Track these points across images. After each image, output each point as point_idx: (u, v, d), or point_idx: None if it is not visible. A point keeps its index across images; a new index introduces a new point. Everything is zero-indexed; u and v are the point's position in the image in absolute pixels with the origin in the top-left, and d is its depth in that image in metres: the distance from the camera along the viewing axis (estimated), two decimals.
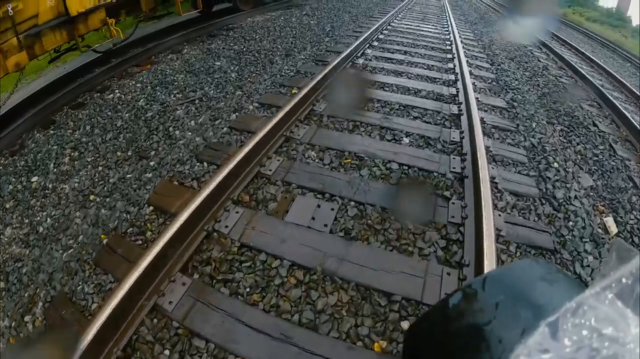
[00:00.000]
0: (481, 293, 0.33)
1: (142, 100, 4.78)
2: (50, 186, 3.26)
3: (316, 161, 2.69)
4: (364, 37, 5.76)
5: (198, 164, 2.83)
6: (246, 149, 2.53)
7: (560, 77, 5.78)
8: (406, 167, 2.58)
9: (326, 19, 8.34)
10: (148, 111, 4.45)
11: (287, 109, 3.08)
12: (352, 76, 4.22)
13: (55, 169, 3.50)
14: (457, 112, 3.45)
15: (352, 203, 2.27)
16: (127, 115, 4.44)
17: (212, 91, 4.77)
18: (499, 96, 4.21)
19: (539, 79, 5.40)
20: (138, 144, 3.54)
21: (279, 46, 6.24)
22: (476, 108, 3.32)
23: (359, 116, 3.25)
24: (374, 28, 6.61)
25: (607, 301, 0.26)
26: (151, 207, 2.40)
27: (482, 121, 3.30)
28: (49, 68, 6.67)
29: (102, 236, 2.31)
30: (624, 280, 0.26)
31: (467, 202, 2.26)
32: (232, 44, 6.35)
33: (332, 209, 2.21)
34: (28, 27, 4.40)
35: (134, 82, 5.48)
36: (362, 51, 5.34)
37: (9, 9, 4.04)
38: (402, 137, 2.95)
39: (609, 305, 0.25)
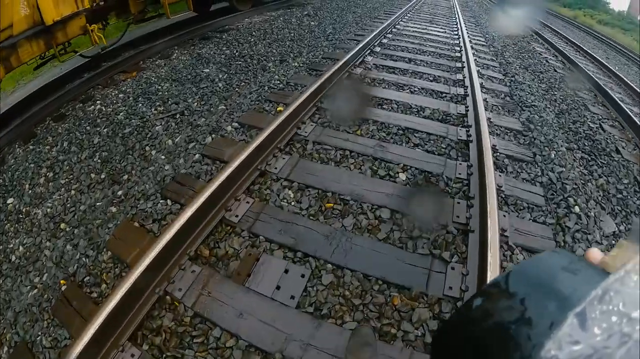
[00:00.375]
0: (505, 290, 0.32)
1: (122, 113, 4.47)
2: (24, 209, 3.09)
3: (292, 203, 2.27)
4: (366, 41, 5.31)
5: (162, 201, 2.48)
6: (213, 187, 2.14)
7: (578, 90, 5.26)
8: (400, 216, 2.14)
9: (328, 20, 7.89)
10: (126, 126, 4.13)
11: (267, 132, 2.67)
12: (346, 90, 3.78)
13: (30, 191, 3.33)
14: (465, 138, 2.99)
15: (329, 266, 1.85)
16: (105, 130, 4.12)
17: (195, 103, 4.38)
18: (514, 114, 3.73)
19: (555, 92, 4.90)
20: (113, 165, 3.28)
21: (274, 50, 5.81)
22: (487, 132, 2.85)
23: (349, 142, 2.81)
24: (378, 31, 6.15)
25: (633, 283, 0.26)
26: (109, 253, 2.16)
27: (494, 149, 2.85)
28: (41, 71, 6.30)
29: (62, 281, 2.15)
30: None
31: (470, 268, 1.83)
32: (224, 48, 5.95)
33: (303, 276, 1.79)
34: (3, 39, 4.20)
35: (116, 92, 5.14)
36: (361, 58, 4.88)
37: None
38: (397, 173, 2.51)
39: (635, 287, 0.25)
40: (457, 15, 9.71)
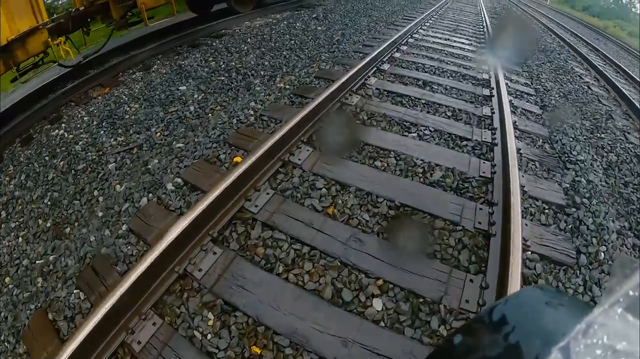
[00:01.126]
0: (488, 326, 0.32)
1: (81, 142, 4.01)
2: None
3: (208, 337, 1.50)
4: (373, 54, 4.40)
5: (75, 292, 1.95)
6: (115, 296, 1.43)
7: (627, 131, 4.22)
8: None
9: (338, 25, 7.02)
10: (82, 160, 3.60)
11: (207, 202, 1.90)
12: (331, 133, 2.91)
13: None
14: (485, 229, 2.08)
15: None
16: (61, 164, 3.67)
17: (158, 134, 3.69)
18: (554, 176, 2.78)
19: (603, 135, 3.90)
20: (60, 211, 2.96)
21: (266, 63, 5.02)
22: (519, 218, 1.95)
23: (312, 230, 1.97)
24: (391, 41, 5.24)
25: (617, 316, 0.26)
26: (24, 347, 1.86)
27: (526, 247, 1.96)
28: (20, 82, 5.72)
29: None
30: (631, 293, 0.26)
31: None
32: (210, 59, 5.19)
33: None
34: None
35: (83, 113, 4.53)
36: (363, 80, 4.00)
37: None
38: (371, 297, 1.67)
39: (620, 320, 0.26)
40: (484, 22, 8.65)
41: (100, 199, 2.92)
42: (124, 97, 4.57)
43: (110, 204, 2.71)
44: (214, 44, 5.72)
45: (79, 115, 4.50)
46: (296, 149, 2.64)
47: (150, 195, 2.48)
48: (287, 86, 4.06)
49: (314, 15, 7.58)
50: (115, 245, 2.12)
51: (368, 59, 4.26)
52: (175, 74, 4.83)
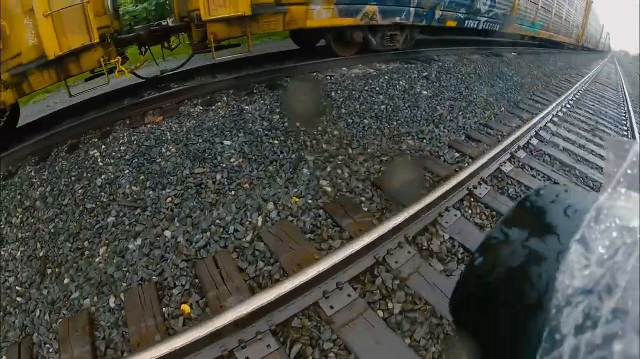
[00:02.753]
0: (503, 240, 0.33)
1: (103, 176, 3.62)
2: None
3: None
4: (470, 169, 3.22)
5: None
6: None
7: None
8: None
9: (450, 92, 5.84)
10: (93, 198, 3.33)
11: None
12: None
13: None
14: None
15: None
16: (79, 192, 3.47)
17: (169, 199, 3.14)
18: None
19: None
20: (53, 246, 2.89)
21: (335, 132, 4.13)
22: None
23: None
24: (508, 142, 3.94)
25: (622, 196, 0.28)
26: None
27: None
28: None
29: None
30: (629, 171, 0.28)
31: None
32: (276, 110, 4.48)
33: None
34: (12, 66, 4.13)
35: (125, 140, 4.18)
36: (431, 220, 2.79)
37: None
38: None
39: (626, 199, 0.27)
40: (630, 123, 6.59)
41: (85, 253, 2.75)
42: (168, 134, 4.09)
43: (84, 269, 2.44)
44: (292, 89, 5.03)
45: (121, 140, 4.17)
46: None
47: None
48: (329, 186, 3.10)
49: (424, 74, 6.46)
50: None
51: (460, 177, 3.04)
52: (230, 120, 4.22)
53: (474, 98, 5.94)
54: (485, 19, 8.96)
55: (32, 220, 3.30)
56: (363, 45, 6.12)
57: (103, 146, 4.13)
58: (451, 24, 7.84)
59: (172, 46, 5.37)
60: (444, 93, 5.85)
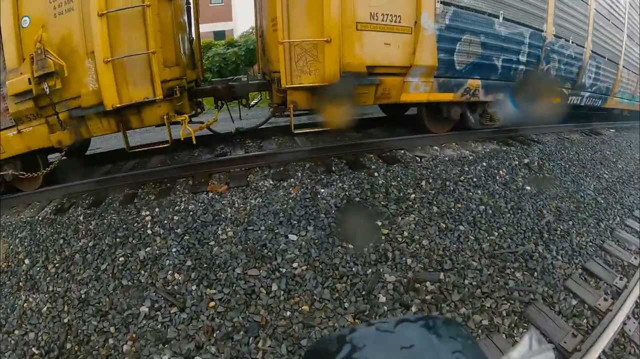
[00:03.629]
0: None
1: (147, 249, 3.29)
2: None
3: None
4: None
5: None
6: None
7: None
8: None
9: (555, 187, 4.86)
10: (132, 273, 3.04)
11: None
12: None
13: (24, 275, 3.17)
14: None
15: None
16: (120, 259, 3.18)
17: (211, 304, 2.60)
18: None
19: None
20: (80, 317, 2.74)
21: (425, 242, 3.35)
22: None
23: None
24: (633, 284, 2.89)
25: None
26: None
27: None
28: None
29: None
30: None
31: None
32: (356, 198, 3.84)
33: None
34: (71, 107, 4.01)
35: (182, 206, 3.77)
36: None
37: (45, 87, 3.66)
38: None
39: None
40: None
41: (109, 341, 2.52)
42: (229, 211, 3.61)
43: None
44: (375, 172, 4.36)
45: (177, 207, 3.77)
46: None
47: None
48: None
49: (525, 161, 5.48)
50: None
51: None
52: (301, 205, 3.65)
53: (582, 197, 4.84)
54: (589, 94, 7.80)
55: (67, 275, 3.10)
56: (459, 122, 5.36)
57: (157, 209, 3.76)
58: (555, 100, 6.82)
59: (250, 103, 5.09)
60: (549, 188, 4.84)
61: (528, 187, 4.75)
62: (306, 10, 3.92)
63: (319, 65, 3.95)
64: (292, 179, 4.17)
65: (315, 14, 3.89)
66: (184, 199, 3.94)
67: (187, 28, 5.31)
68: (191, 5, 5.41)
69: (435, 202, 3.98)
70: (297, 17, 3.93)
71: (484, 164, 5.03)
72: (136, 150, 4.61)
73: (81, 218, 3.72)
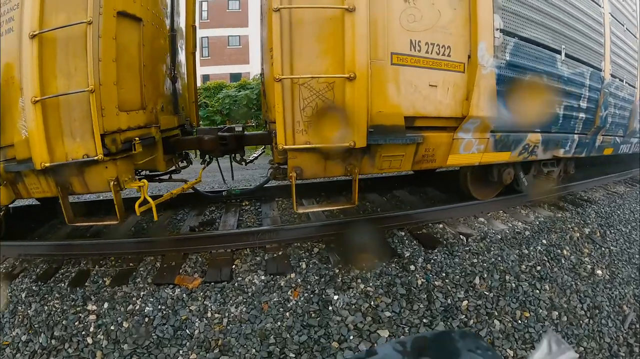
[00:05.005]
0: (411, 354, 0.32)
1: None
2: None
3: None
4: None
5: None
6: None
7: None
8: None
9: (625, 264, 3.90)
10: None
11: None
12: None
13: None
14: None
15: None
16: None
17: None
18: None
19: None
20: None
21: None
22: None
23: None
24: None
25: None
26: None
27: None
28: None
29: None
30: None
31: None
32: (385, 307, 2.56)
33: None
34: (7, 158, 2.97)
35: (130, 308, 2.56)
36: None
37: None
38: None
39: None
40: None
41: None
42: (197, 324, 2.37)
43: None
44: (411, 263, 3.08)
45: (131, 305, 2.70)
46: None
47: None
48: None
49: (586, 231, 4.30)
50: None
51: None
52: (302, 324, 2.35)
53: None
54: (637, 140, 6.76)
55: None
56: (509, 185, 4.15)
57: (107, 304, 2.66)
58: (608, 151, 5.73)
59: (249, 158, 3.85)
60: (620, 269, 3.73)
61: (599, 272, 3.64)
62: (317, 33, 2.66)
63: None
64: (292, 275, 2.87)
65: (330, 39, 2.66)
66: (142, 294, 2.76)
67: (170, 62, 4.04)
68: (177, 33, 4.14)
69: (496, 313, 2.74)
70: (303, 44, 2.66)
71: (544, 241, 3.85)
72: (77, 225, 3.25)
73: (23, 296, 2.83)
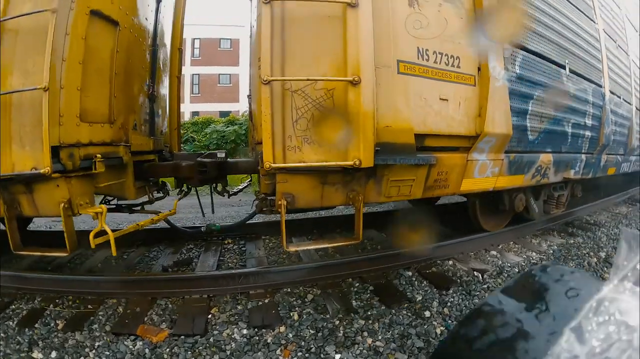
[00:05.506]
0: (499, 308, 0.33)
1: None
2: None
3: None
4: None
5: None
6: None
7: None
8: None
9: None
10: None
11: None
12: None
13: None
14: None
15: None
16: None
17: None
18: None
19: None
20: None
21: None
22: None
23: None
24: None
25: (627, 291, 0.27)
26: None
27: None
28: None
29: None
30: (639, 266, 0.20)
31: None
32: None
33: None
34: None
35: (81, 357, 1.82)
36: None
37: None
38: None
39: (630, 294, 0.26)
40: None
41: None
42: None
43: None
44: (425, 308, 2.58)
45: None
46: None
47: None
48: None
49: (602, 255, 3.97)
50: None
51: None
52: None
53: None
54: (636, 157, 6.62)
55: None
56: (519, 213, 3.76)
57: (54, 354, 2.18)
58: (611, 171, 5.49)
59: (230, 191, 3.33)
60: None
61: None
62: (314, 30, 2.22)
63: None
64: (282, 328, 2.33)
65: (330, 37, 2.23)
66: (97, 345, 2.22)
67: (150, 79, 3.60)
68: (159, 49, 3.72)
69: None
70: (298, 42, 2.22)
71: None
72: (23, 254, 2.65)
73: None
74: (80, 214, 2.52)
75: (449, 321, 2.49)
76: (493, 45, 2.88)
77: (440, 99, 2.61)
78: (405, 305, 2.58)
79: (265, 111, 2.07)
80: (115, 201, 3.30)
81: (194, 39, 25.86)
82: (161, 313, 2.54)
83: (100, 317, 2.50)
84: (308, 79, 2.11)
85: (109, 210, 3.06)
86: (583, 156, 4.27)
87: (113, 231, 2.54)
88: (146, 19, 3.53)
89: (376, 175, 2.40)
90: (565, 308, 0.30)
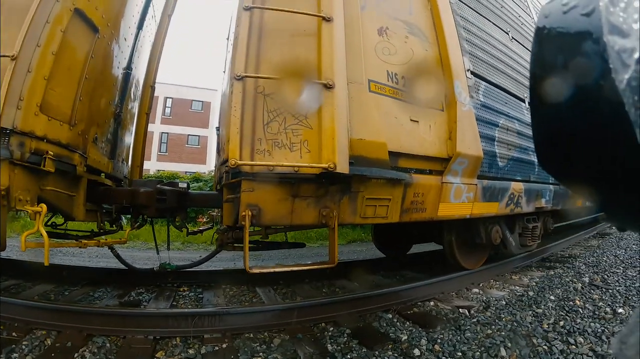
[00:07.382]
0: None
1: None
2: None
3: None
4: None
5: None
6: None
7: None
8: None
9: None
10: None
11: None
12: None
13: None
14: None
15: None
16: None
17: None
18: None
19: None
20: None
21: None
22: None
23: None
24: None
25: None
26: None
27: None
28: None
29: None
30: None
31: None
32: None
33: None
34: None
35: None
36: None
37: None
38: None
39: None
40: None
41: None
42: None
43: None
44: (414, 346, 2.26)
45: None
46: None
47: None
48: None
49: (585, 279, 3.92)
50: None
51: None
52: None
53: None
54: None
55: None
56: (496, 248, 3.65)
57: None
58: (579, 203, 5.58)
59: (188, 229, 3.02)
60: (634, 303, 3.31)
61: (621, 310, 3.12)
62: (288, 40, 2.21)
63: (310, 134, 2.07)
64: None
65: (304, 46, 2.19)
66: None
67: (118, 99, 3.43)
68: (132, 72, 3.60)
69: None
70: (274, 46, 2.18)
71: (552, 297, 3.35)
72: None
73: None
74: (17, 211, 2.23)
75: (444, 358, 2.18)
76: (457, 73, 2.94)
77: (411, 120, 2.55)
78: (390, 346, 2.25)
79: (235, 106, 1.92)
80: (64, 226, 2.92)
81: (166, 98, 25.83)
82: (96, 351, 2.07)
83: (24, 348, 2.01)
84: (282, 79, 2.01)
85: (54, 235, 2.67)
86: (551, 186, 4.32)
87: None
88: (125, 39, 3.51)
89: (351, 191, 2.21)
90: None
